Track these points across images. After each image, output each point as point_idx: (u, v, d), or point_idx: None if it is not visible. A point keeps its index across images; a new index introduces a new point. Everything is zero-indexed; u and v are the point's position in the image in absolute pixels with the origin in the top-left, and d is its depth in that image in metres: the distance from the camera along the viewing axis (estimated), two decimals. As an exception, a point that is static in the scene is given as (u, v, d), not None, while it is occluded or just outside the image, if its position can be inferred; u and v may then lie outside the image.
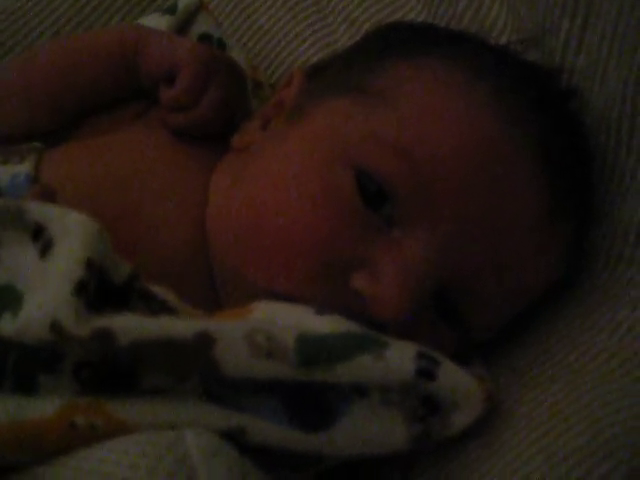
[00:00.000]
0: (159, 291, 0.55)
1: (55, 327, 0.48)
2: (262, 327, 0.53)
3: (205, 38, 0.85)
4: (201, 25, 0.85)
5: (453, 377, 0.54)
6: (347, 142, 0.63)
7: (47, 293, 0.49)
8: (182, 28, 0.85)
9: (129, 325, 0.50)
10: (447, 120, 0.62)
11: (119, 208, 0.66)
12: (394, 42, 0.71)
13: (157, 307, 0.54)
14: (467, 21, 0.82)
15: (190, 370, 0.51)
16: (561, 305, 0.68)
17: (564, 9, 0.71)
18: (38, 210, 0.53)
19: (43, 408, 0.49)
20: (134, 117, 0.76)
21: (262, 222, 0.63)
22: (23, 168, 0.66)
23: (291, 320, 0.55)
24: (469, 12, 0.82)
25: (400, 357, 0.54)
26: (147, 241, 0.66)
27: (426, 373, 0.54)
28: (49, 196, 0.59)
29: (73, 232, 0.52)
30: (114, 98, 0.76)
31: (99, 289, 0.52)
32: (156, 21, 0.84)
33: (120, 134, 0.73)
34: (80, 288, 0.50)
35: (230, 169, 0.70)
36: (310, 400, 0.53)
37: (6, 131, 0.74)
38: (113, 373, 0.50)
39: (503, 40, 0.79)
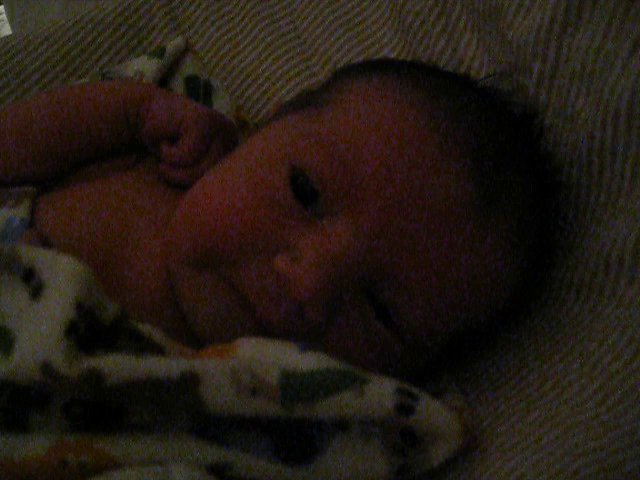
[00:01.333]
0: (147, 330, 0.57)
1: (46, 368, 0.50)
2: (246, 365, 0.55)
3: (192, 80, 0.88)
4: (188, 68, 0.89)
5: (432, 411, 0.56)
6: (285, 143, 0.66)
7: (38, 335, 0.51)
8: (170, 71, 0.88)
9: (117, 365, 0.52)
10: (373, 117, 0.65)
11: (107, 252, 0.68)
12: (352, 67, 0.77)
13: (145, 346, 0.56)
14: (445, 61, 0.85)
15: (176, 408, 0.53)
16: (534, 335, 0.70)
17: (535, 51, 0.74)
18: (29, 254, 0.55)
19: (34, 447, 0.51)
20: (125, 166, 0.79)
21: (201, 200, 0.67)
22: (18, 212, 0.68)
23: (275, 358, 0.57)
24: (447, 52, 0.85)
25: (379, 393, 0.55)
26: (131, 278, 0.68)
27: (405, 408, 0.55)
28: (43, 244, 0.62)
29: (63, 275, 0.54)
30: (109, 150, 0.79)
31: (89, 329, 0.53)
32: (144, 64, 0.86)
33: (111, 182, 0.76)
34: (70, 329, 0.52)
35: None
36: (293, 435, 0.55)
37: None
38: (102, 411, 0.52)
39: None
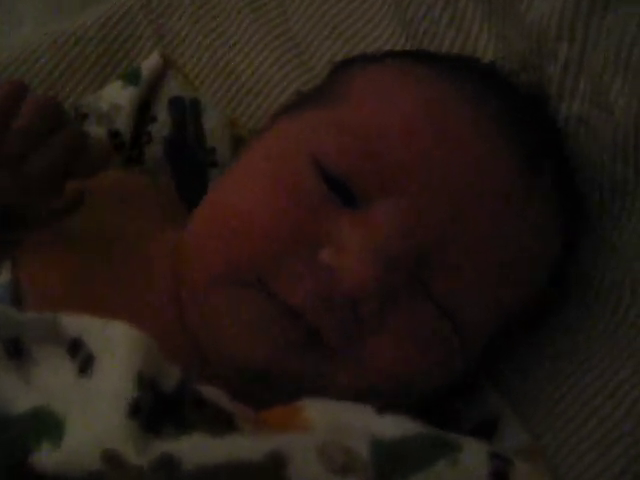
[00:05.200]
0: (211, 394, 0.51)
1: (109, 456, 0.44)
2: (335, 439, 0.50)
3: (175, 103, 0.82)
4: (171, 89, 0.83)
5: (524, 476, 0.53)
6: (306, 135, 0.63)
7: (96, 417, 0.45)
8: (148, 98, 0.82)
9: (194, 449, 0.46)
10: (399, 96, 0.64)
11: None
12: (354, 60, 0.74)
13: (213, 414, 0.50)
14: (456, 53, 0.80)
15: None
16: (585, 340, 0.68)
17: (560, 33, 0.69)
18: (74, 323, 0.50)
19: None
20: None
21: (225, 212, 0.62)
22: (1, 280, 0.61)
23: (354, 422, 0.52)
24: (457, 43, 0.81)
25: (474, 461, 0.52)
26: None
27: (500, 475, 0.52)
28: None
29: (117, 345, 0.48)
30: None
31: (152, 403, 0.47)
32: (119, 95, 0.81)
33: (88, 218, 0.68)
34: (134, 408, 0.46)
35: None
36: None
37: None
38: None
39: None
